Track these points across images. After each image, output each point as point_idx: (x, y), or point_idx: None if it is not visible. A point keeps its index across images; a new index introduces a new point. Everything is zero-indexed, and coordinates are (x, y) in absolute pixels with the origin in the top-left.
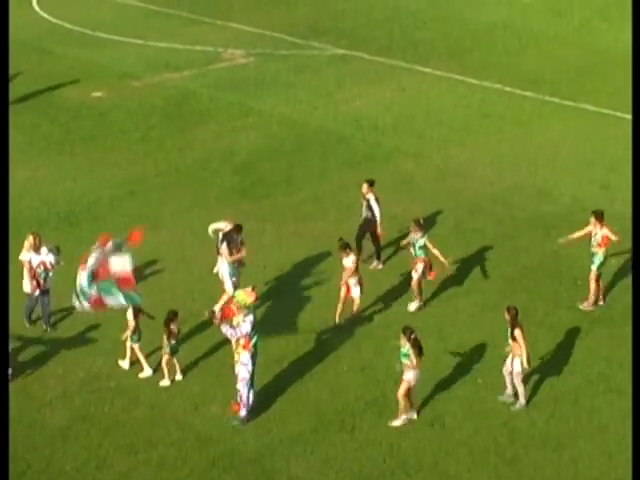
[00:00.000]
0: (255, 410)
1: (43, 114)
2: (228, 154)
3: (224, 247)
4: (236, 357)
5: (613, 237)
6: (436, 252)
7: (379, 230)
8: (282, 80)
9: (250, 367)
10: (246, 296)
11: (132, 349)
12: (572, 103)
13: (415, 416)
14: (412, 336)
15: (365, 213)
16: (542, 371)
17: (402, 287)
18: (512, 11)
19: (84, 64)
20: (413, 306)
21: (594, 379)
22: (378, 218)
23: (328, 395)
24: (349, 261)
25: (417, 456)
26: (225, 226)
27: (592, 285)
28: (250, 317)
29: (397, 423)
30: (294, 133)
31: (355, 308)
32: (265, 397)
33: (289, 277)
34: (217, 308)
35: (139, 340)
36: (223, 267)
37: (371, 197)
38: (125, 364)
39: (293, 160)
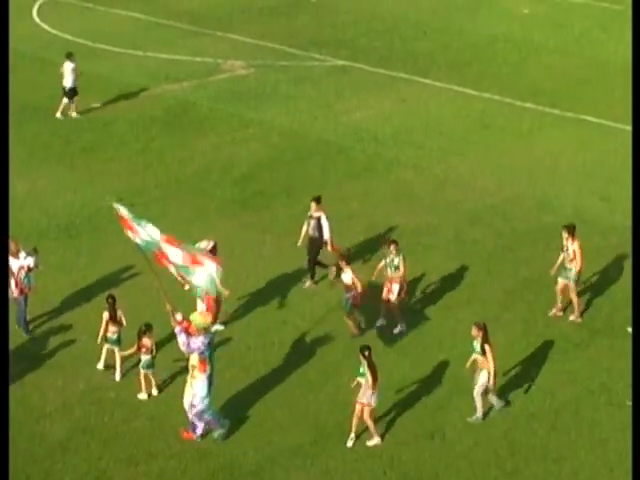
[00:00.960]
0: (254, 422)
1: (43, 125)
2: (228, 165)
3: None
4: (190, 381)
5: (578, 255)
6: (402, 272)
7: (330, 247)
8: (282, 91)
9: (205, 391)
10: (202, 319)
11: (113, 352)
12: (572, 114)
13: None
14: (367, 354)
15: (313, 232)
16: (543, 382)
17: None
18: (512, 23)
19: (84, 75)
20: (397, 329)
21: (595, 390)
22: (328, 236)
23: (328, 407)
24: (347, 277)
25: (417, 468)
26: (207, 245)
27: (574, 298)
28: (203, 339)
29: (372, 443)
30: (294, 144)
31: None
32: (265, 408)
33: (289, 288)
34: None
35: (119, 344)
36: None
37: (322, 215)
38: (100, 364)
39: (293, 171)
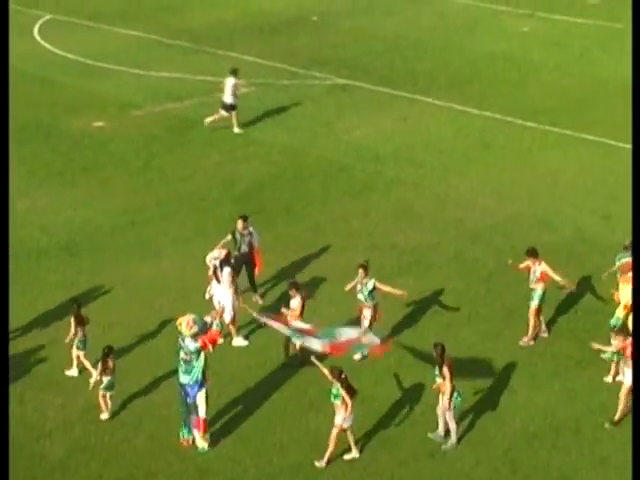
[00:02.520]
0: (254, 440)
1: (44, 143)
2: (229, 183)
3: (227, 273)
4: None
5: (552, 274)
6: (388, 289)
7: (258, 263)
8: (283, 109)
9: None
10: (185, 328)
11: (78, 357)
12: (572, 133)
13: (358, 454)
14: (342, 376)
15: (244, 248)
16: (543, 400)
17: (395, 316)
18: (512, 41)
19: (85, 94)
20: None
21: (595, 409)
22: (258, 246)
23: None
24: (295, 302)
25: None
26: (220, 253)
27: (531, 320)
28: (194, 343)
29: (320, 464)
30: (295, 162)
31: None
32: (265, 427)
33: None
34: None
35: (84, 348)
36: (222, 293)
37: (252, 230)
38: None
39: (294, 189)
